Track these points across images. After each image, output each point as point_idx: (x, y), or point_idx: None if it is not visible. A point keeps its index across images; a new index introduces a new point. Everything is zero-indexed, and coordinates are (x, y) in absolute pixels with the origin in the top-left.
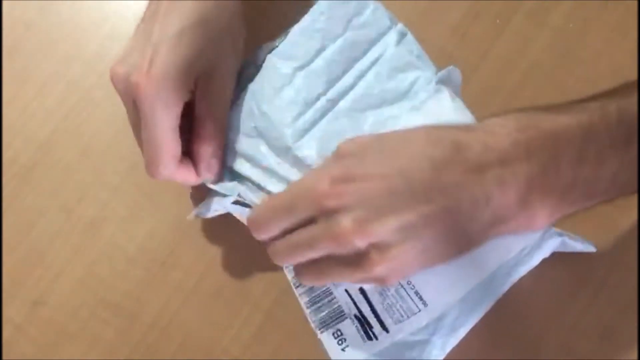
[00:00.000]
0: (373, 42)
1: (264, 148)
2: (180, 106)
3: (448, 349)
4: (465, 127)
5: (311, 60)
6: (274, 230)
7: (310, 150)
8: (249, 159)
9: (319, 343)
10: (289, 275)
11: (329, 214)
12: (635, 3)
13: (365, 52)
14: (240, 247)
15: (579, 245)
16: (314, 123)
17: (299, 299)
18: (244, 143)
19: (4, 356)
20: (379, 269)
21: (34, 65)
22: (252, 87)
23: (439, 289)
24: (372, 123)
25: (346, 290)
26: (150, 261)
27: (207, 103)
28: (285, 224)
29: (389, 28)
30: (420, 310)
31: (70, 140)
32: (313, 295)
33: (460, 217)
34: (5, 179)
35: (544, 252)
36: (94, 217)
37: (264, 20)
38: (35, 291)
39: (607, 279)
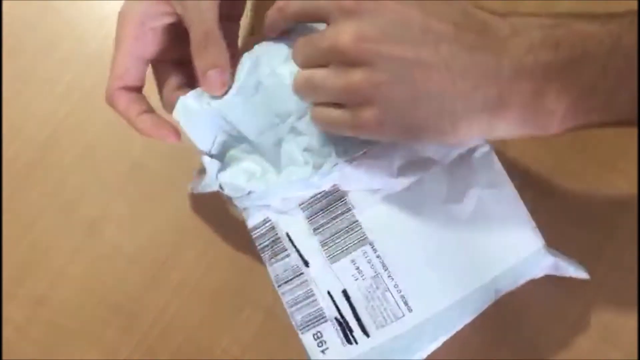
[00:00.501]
0: None
1: (262, 106)
2: (136, 22)
3: (426, 354)
4: (498, 13)
5: None
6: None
7: (308, 125)
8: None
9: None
10: (272, 273)
11: (339, 19)
12: (635, 3)
13: None
14: (240, 247)
15: (571, 270)
16: None
17: (282, 297)
18: (238, 99)
19: (5, 356)
20: (362, 86)
21: (34, 65)
22: (257, 47)
23: (426, 295)
24: None
25: (329, 292)
26: (151, 261)
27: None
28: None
29: None
30: (404, 316)
31: (70, 140)
32: (295, 295)
33: (461, 79)
34: (6, 179)
35: (536, 272)
36: (94, 217)
37: None
38: (35, 291)
39: (607, 279)
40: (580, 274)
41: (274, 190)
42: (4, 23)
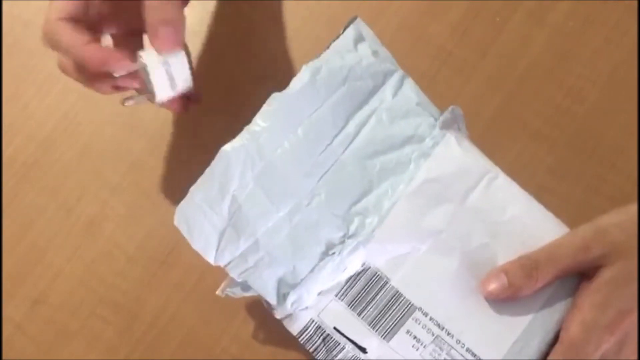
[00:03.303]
0: (371, 94)
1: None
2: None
3: None
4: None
5: (314, 111)
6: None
7: (319, 198)
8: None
9: None
10: None
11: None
12: (635, 4)
13: (363, 104)
14: None
15: None
16: (322, 174)
17: None
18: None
19: (4, 355)
20: None
21: (33, 63)
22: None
23: (491, 339)
24: (380, 169)
25: None
26: (150, 260)
27: None
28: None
29: (386, 78)
30: None
31: (69, 139)
32: None
33: None
34: (5, 178)
35: None
36: (93, 215)
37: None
38: (35, 290)
39: None
40: None
41: (306, 287)
42: (4, 21)
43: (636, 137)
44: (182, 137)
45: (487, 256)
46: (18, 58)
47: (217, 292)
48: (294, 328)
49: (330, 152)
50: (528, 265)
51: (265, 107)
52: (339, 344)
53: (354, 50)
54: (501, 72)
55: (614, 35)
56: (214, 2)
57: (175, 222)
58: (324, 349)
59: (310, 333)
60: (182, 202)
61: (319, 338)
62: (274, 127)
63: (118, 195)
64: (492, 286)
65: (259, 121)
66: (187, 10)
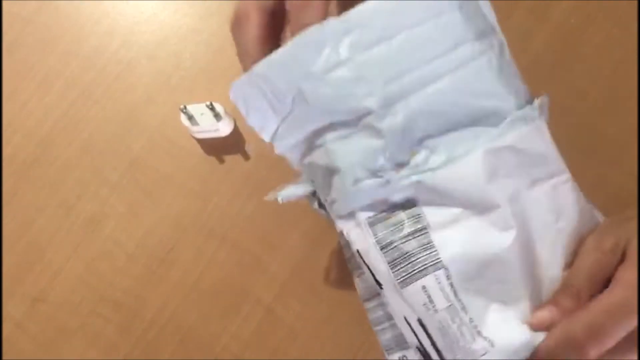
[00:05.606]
0: (483, 34)
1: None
2: None
3: None
4: None
5: (420, 23)
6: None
7: (395, 119)
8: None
9: (318, 340)
10: (357, 287)
11: None
12: (634, 4)
13: (474, 39)
14: (240, 244)
15: None
16: (408, 93)
17: (368, 314)
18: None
19: (4, 353)
20: None
21: (33, 61)
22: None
23: (506, 329)
24: (471, 111)
25: (405, 319)
26: (150, 258)
27: None
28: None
29: (495, 30)
30: (486, 353)
31: (69, 137)
32: (376, 315)
33: None
34: (5, 175)
35: None
36: (93, 213)
37: None
38: (35, 288)
39: None
40: None
41: (343, 199)
42: (4, 19)
43: (636, 134)
44: (182, 135)
45: (529, 252)
46: (18, 55)
47: (267, 198)
48: (337, 228)
49: (425, 73)
50: (575, 294)
51: (370, 2)
52: (361, 267)
53: None
54: None
55: (615, 32)
56: (215, 0)
57: (231, 97)
58: (350, 264)
59: (344, 242)
60: (241, 78)
61: (349, 252)
62: (369, 26)
63: (118, 193)
64: (545, 316)
65: (355, 16)
66: (188, 8)
